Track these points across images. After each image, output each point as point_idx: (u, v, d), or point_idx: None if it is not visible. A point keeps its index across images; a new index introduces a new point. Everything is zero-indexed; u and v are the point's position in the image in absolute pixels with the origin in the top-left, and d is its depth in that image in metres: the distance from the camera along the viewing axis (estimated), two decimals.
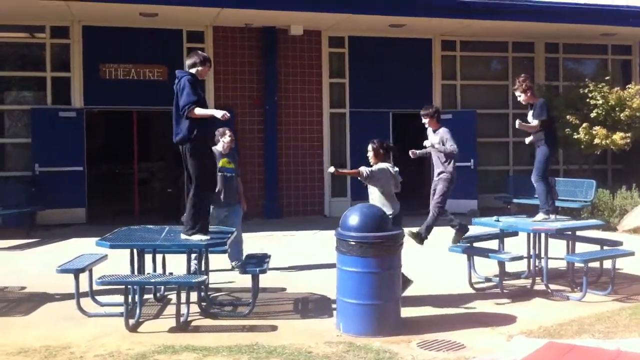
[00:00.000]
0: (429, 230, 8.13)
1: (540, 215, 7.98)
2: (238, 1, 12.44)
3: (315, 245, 10.99)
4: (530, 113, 8.02)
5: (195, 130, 6.36)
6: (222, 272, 8.33)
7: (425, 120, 8.28)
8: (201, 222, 6.49)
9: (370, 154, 7.39)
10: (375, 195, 7.25)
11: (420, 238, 8.10)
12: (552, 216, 8.00)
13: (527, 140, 8.27)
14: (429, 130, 8.39)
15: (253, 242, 10.13)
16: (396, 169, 7.35)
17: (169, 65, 13.54)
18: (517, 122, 7.90)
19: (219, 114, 6.33)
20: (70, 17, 13.20)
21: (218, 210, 8.38)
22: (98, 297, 6.95)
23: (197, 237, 6.41)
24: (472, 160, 14.70)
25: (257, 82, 14.34)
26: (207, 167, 6.59)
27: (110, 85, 13.67)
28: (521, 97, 8.02)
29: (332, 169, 7.47)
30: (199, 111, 6.33)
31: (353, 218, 6.13)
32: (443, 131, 8.19)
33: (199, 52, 6.83)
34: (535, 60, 16.25)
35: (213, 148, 7.72)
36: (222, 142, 8.66)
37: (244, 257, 8.02)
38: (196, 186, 6.49)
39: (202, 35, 14.17)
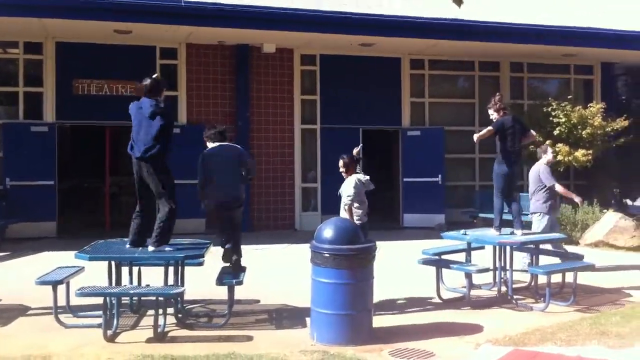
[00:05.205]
0: None
1: (492, 231, 8.31)
2: (212, 20, 12.63)
3: (287, 258, 11.18)
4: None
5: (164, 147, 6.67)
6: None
7: None
8: (168, 235, 6.79)
9: (343, 169, 7.80)
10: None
11: None
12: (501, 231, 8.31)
13: None
14: None
15: None
16: (367, 177, 7.73)
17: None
18: (475, 136, 8.23)
19: None
20: (44, 34, 13.27)
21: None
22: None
23: (167, 248, 6.70)
24: (439, 176, 15.06)
25: (230, 99, 14.53)
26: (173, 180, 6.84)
27: (83, 100, 13.77)
28: (494, 116, 8.30)
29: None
30: None
31: (327, 231, 6.34)
32: None
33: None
34: (500, 79, 16.69)
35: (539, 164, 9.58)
36: (546, 157, 9.71)
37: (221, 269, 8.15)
38: (168, 199, 6.70)
39: (175, 51, 14.34)
